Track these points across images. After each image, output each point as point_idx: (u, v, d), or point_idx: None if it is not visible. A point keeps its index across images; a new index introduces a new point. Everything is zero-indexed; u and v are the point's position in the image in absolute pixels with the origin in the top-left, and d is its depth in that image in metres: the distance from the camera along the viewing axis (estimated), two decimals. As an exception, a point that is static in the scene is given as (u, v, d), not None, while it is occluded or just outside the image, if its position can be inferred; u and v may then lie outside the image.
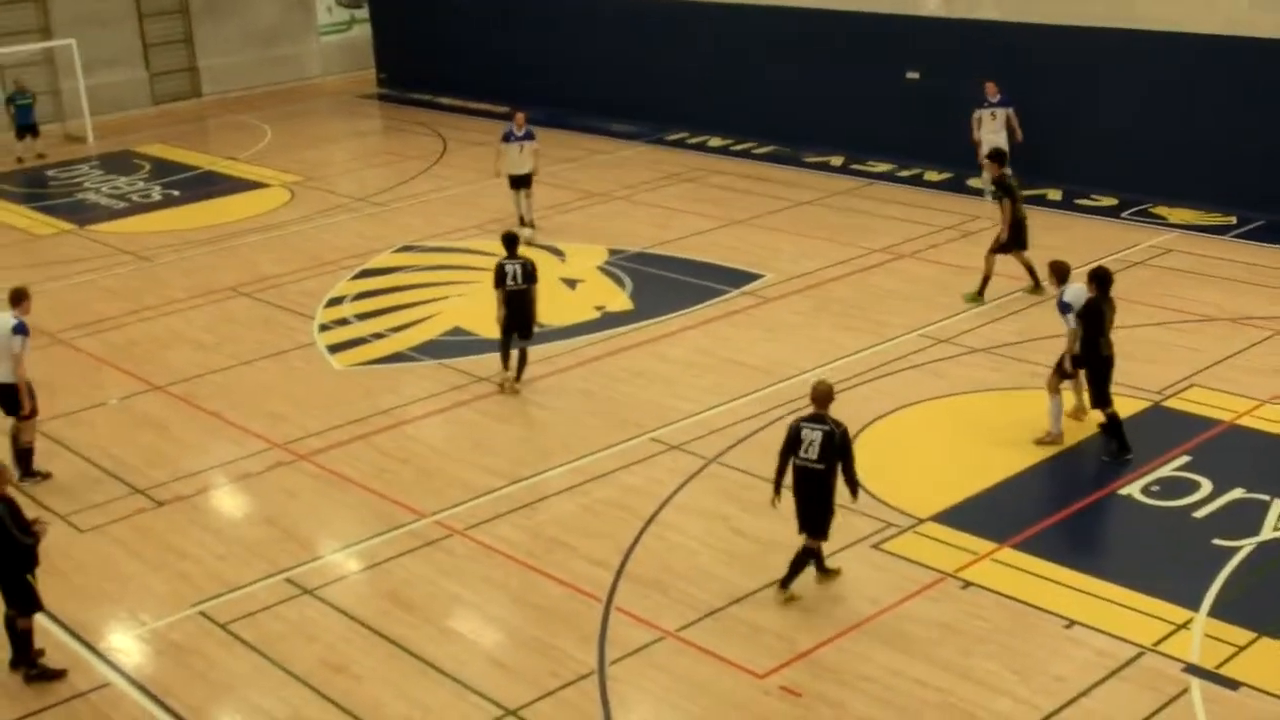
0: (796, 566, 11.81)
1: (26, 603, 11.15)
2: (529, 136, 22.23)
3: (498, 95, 32.77)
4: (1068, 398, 14.75)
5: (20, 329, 14.27)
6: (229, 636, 11.78)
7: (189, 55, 36.60)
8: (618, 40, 30.46)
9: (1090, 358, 14.10)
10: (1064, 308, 14.33)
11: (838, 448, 11.49)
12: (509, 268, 16.33)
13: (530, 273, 16.42)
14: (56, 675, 11.29)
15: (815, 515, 11.70)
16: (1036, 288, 18.57)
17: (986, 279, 18.52)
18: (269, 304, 20.18)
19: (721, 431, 15.19)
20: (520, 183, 22.40)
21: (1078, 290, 14.35)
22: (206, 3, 36.46)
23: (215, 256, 22.69)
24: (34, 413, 14.69)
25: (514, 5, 32.43)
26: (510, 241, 16.72)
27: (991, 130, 22.71)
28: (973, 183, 23.92)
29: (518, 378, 16.60)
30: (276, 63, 37.86)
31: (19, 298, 14.66)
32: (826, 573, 12.06)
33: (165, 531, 13.65)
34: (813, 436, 11.48)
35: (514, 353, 16.54)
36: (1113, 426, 14.14)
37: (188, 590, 12.54)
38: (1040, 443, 14.36)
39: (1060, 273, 14.70)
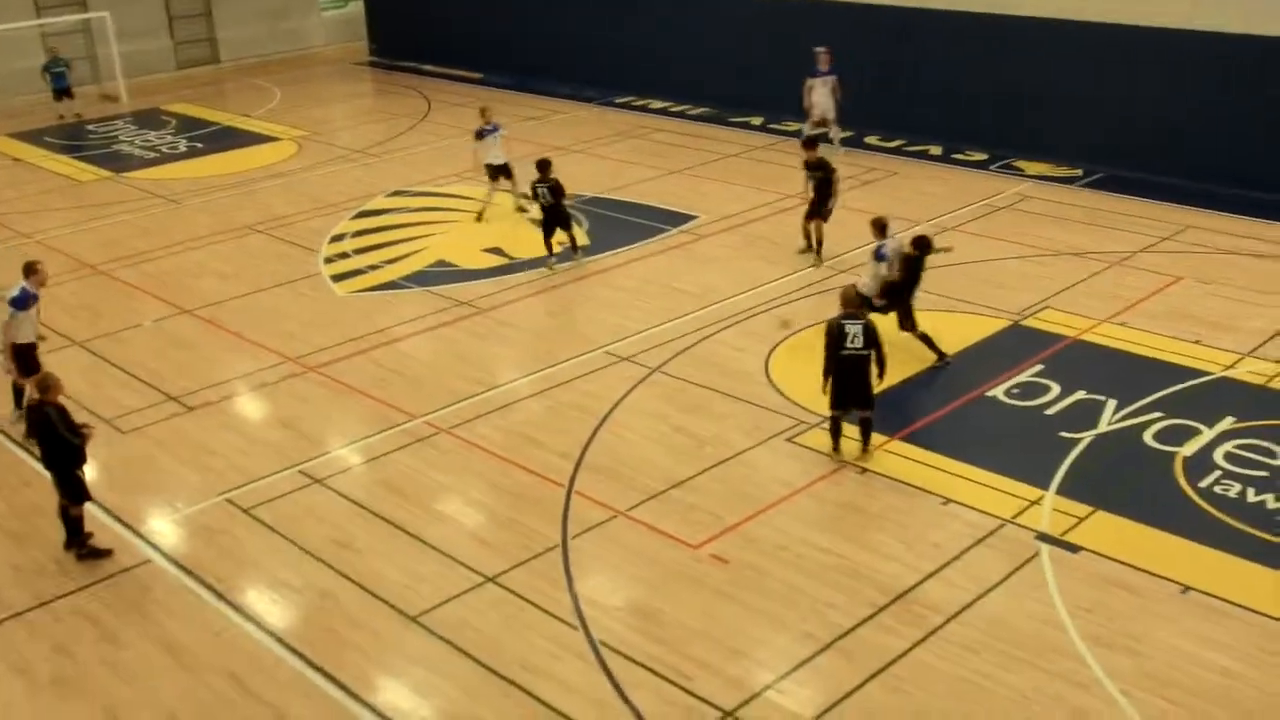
0: (865, 433, 12.35)
1: (76, 493, 11.07)
2: (496, 129, 20.26)
3: (473, 63, 32.31)
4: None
5: (16, 301, 12.99)
6: (251, 520, 11.74)
7: (208, 27, 35.69)
8: (575, 15, 29.96)
9: (904, 300, 14.24)
10: (880, 255, 14.30)
11: (874, 335, 11.98)
12: (539, 189, 17.54)
13: (557, 189, 17.56)
14: (104, 554, 11.22)
15: (864, 392, 12.12)
16: (809, 250, 17.87)
17: (819, 242, 17.74)
18: (281, 240, 19.88)
19: (663, 346, 15.19)
20: (500, 172, 20.36)
21: (895, 244, 14.42)
22: (223, -18, 35.64)
23: (234, 199, 22.29)
24: (24, 374, 13.06)
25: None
26: (543, 165, 17.66)
27: (822, 95, 22.35)
28: (869, 140, 23.92)
29: (575, 248, 18.13)
30: (284, 34, 37.00)
31: (30, 270, 13.38)
32: (866, 450, 12.38)
33: (195, 432, 13.52)
34: (855, 329, 11.94)
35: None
36: (928, 341, 14.26)
37: (215, 481, 12.46)
38: None
39: (881, 226, 14.58)
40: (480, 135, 20.35)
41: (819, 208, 17.65)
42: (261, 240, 19.93)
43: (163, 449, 13.17)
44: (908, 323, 14.32)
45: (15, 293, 13.19)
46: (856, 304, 12.22)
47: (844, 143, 23.08)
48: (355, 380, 14.63)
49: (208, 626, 10.21)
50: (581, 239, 19.06)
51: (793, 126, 24.66)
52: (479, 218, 20.23)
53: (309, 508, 11.91)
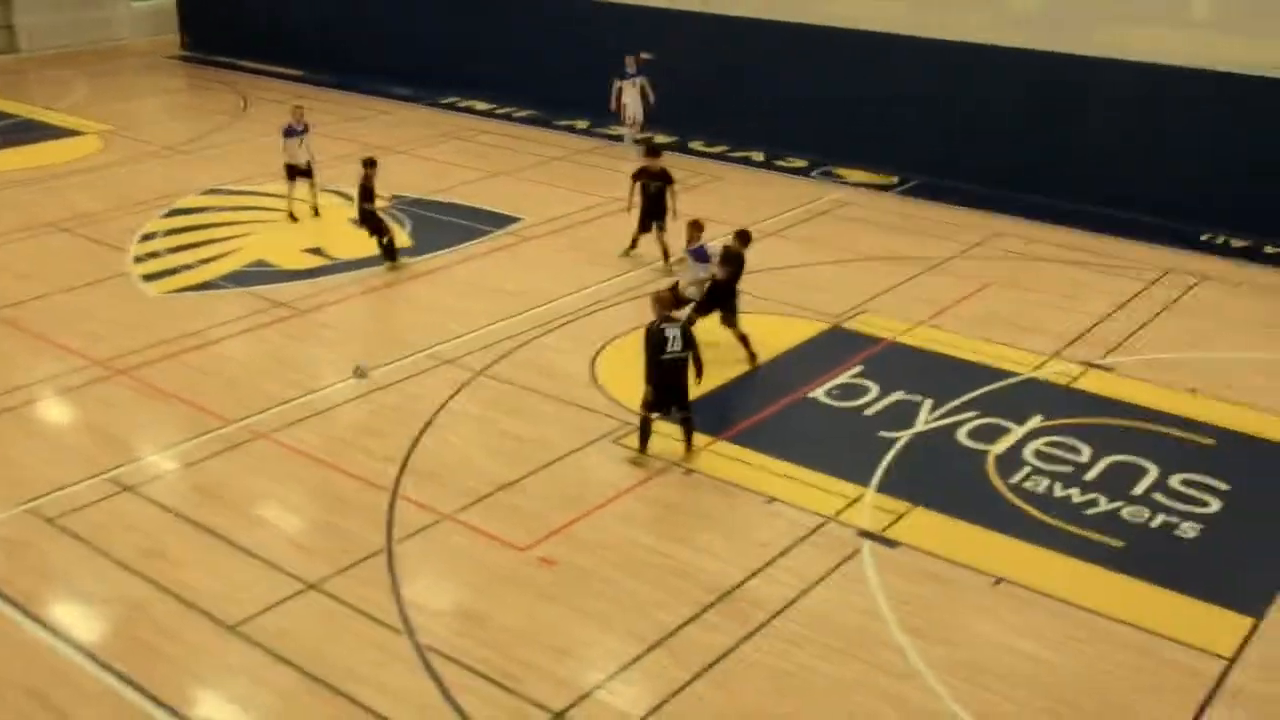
0: (688, 433, 12.45)
1: None
2: (306, 130, 19.90)
3: (293, 60, 31.52)
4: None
5: None
6: (57, 530, 11.16)
7: (5, 13, 33.91)
8: (399, 11, 29.53)
9: (729, 293, 14.50)
10: (702, 255, 14.79)
11: (691, 337, 12.16)
12: (365, 185, 17.43)
13: (362, 191, 17.41)
14: None
15: (683, 394, 12.26)
16: (630, 254, 18.03)
17: (666, 250, 17.56)
18: (87, 239, 19.00)
19: (488, 348, 15.08)
20: (300, 173, 19.84)
21: (714, 245, 14.83)
22: (21, -34, 33.92)
23: (35, 195, 21.20)
24: None
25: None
26: (369, 162, 17.45)
27: (631, 97, 23.10)
28: (694, 145, 24.25)
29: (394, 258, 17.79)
30: (90, 24, 35.39)
31: None
32: (690, 450, 12.51)
33: (-5, 438, 12.84)
34: (674, 333, 12.03)
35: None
36: (745, 341, 14.57)
37: (18, 490, 11.80)
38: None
39: (699, 226, 15.16)
40: (289, 134, 19.77)
41: (658, 217, 17.53)
42: (65, 239, 19.02)
43: (-44, 457, 12.44)
44: (731, 319, 14.54)
45: None
46: (673, 306, 12.37)
47: (667, 147, 23.33)
48: (167, 384, 14.08)
49: (7, 641, 9.67)
50: (404, 241, 18.77)
51: (619, 130, 24.86)
52: (291, 218, 19.77)
53: (119, 516, 11.40)
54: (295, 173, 19.84)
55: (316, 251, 18.35)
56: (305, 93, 28.24)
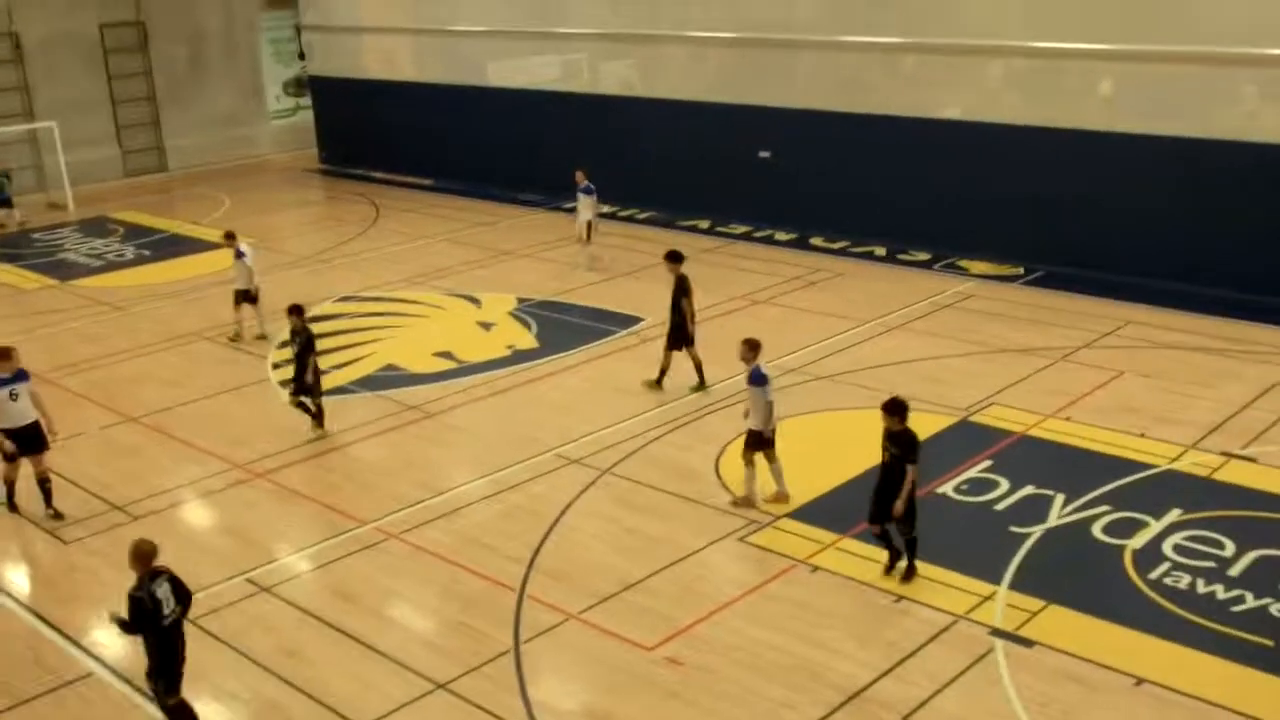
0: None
1: None
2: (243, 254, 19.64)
3: (421, 170, 32.68)
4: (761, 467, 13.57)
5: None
6: (198, 630, 11.46)
7: (157, 136, 35.90)
8: (524, 124, 30.44)
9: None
10: (759, 379, 13.18)
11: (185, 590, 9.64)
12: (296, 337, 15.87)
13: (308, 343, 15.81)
14: None
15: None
16: (701, 386, 16.99)
17: (664, 371, 17.03)
18: (228, 346, 19.81)
19: (613, 447, 15.22)
20: (245, 297, 19.83)
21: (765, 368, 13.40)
22: (171, 92, 35.86)
23: (181, 306, 22.23)
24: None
25: (435, 95, 32.32)
26: (295, 310, 15.90)
27: (587, 208, 23.32)
28: (815, 241, 24.34)
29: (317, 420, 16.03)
30: (233, 142, 37.32)
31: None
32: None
33: (142, 541, 13.30)
34: (165, 591, 9.37)
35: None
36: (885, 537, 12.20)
37: (162, 590, 12.24)
38: (770, 501, 13.53)
39: (755, 347, 13.48)
40: (238, 256, 19.69)
41: (674, 332, 16.90)
42: (208, 347, 19.85)
43: (106, 560, 12.92)
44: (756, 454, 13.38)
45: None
46: (153, 558, 9.51)
47: (789, 244, 23.45)
48: (304, 486, 14.51)
49: (151, 741, 9.98)
50: (530, 343, 19.14)
51: (739, 229, 25.05)
52: (234, 338, 19.91)
53: (256, 616, 11.73)
54: (241, 296, 19.81)
55: (446, 355, 18.81)
56: (434, 200, 29.24)
